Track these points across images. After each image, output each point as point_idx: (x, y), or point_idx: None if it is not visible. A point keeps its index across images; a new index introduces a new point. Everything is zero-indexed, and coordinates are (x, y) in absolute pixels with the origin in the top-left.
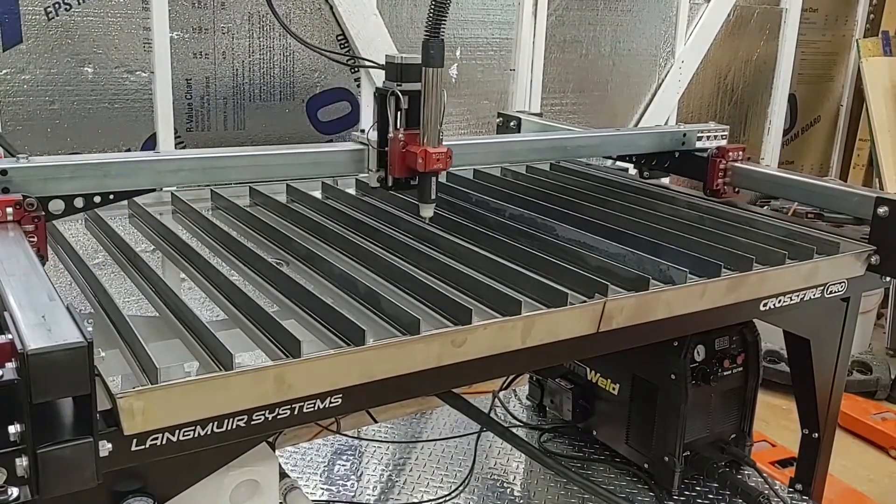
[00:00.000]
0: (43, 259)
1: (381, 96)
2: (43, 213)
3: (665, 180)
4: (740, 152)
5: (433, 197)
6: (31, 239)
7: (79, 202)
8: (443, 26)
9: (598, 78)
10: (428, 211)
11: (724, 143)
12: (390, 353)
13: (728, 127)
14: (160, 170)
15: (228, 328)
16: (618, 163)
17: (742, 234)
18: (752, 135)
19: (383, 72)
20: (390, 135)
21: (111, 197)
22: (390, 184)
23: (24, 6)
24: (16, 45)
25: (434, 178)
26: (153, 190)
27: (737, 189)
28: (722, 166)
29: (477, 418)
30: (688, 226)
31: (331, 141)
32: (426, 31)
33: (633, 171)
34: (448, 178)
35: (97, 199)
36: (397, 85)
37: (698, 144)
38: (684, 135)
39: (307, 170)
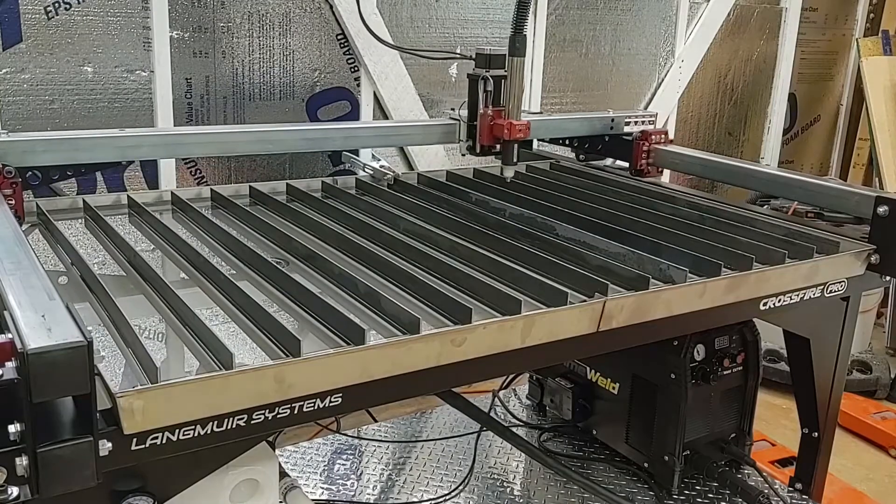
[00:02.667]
0: (20, 219)
1: (473, 80)
2: (20, 180)
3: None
4: (663, 136)
5: (515, 160)
6: (10, 202)
7: (53, 173)
8: (525, 24)
9: (597, 77)
10: (510, 171)
11: (651, 127)
12: (390, 353)
13: (656, 113)
14: (123, 145)
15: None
16: (618, 162)
17: (742, 234)
18: (752, 134)
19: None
20: (480, 111)
21: (82, 170)
22: (478, 150)
23: (23, 6)
24: (16, 44)
25: (516, 145)
26: (119, 163)
27: (660, 169)
28: (645, 148)
29: (477, 418)
30: (688, 225)
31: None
32: (513, 27)
33: (570, 154)
34: (448, 178)
35: (69, 172)
36: (486, 71)
37: (626, 129)
38: (612, 120)
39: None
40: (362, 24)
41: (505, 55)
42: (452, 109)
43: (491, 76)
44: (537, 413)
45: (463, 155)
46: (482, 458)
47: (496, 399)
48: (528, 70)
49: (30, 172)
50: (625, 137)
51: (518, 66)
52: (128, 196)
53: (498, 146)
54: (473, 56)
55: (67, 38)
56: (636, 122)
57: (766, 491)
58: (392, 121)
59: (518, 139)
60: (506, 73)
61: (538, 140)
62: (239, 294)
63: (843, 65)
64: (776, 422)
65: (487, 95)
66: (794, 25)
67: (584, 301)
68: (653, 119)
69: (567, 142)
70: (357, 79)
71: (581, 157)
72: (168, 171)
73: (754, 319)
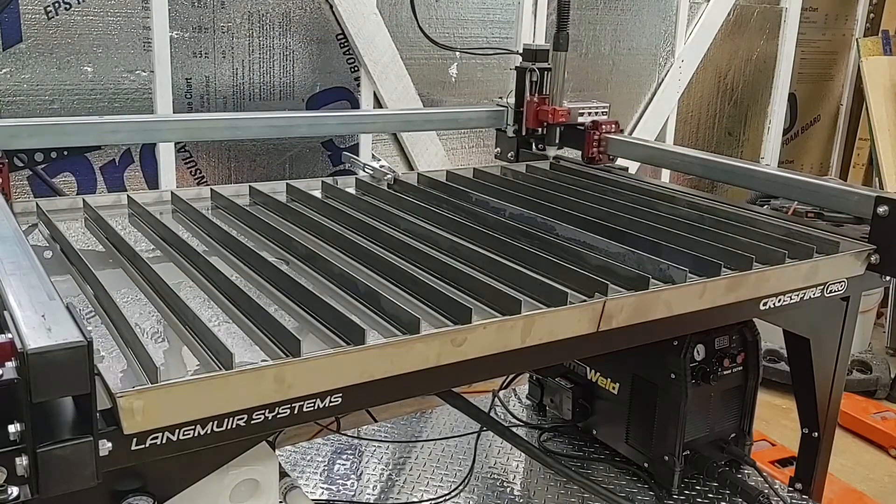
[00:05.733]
0: (7, 197)
1: (520, 72)
2: (6, 161)
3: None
4: (613, 126)
5: (557, 142)
6: None
7: (38, 156)
8: (567, 23)
9: (597, 77)
10: (552, 151)
11: (603, 118)
12: (390, 353)
13: (608, 105)
14: (102, 130)
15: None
16: (618, 161)
17: (742, 234)
18: (752, 134)
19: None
20: (526, 99)
21: (66, 153)
22: (524, 132)
23: (23, 6)
24: (16, 44)
25: (558, 129)
26: (99, 147)
27: (611, 157)
28: (596, 137)
29: (477, 418)
30: (688, 225)
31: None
32: (557, 26)
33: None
34: (448, 178)
35: (53, 155)
36: (532, 64)
37: (580, 119)
38: (567, 111)
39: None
40: (363, 24)
41: (549, 50)
42: (500, 97)
43: (536, 68)
44: (537, 413)
45: (511, 137)
46: (482, 458)
47: (496, 399)
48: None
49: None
50: (578, 127)
51: (561, 60)
52: (128, 196)
53: (540, 129)
54: (520, 51)
55: (67, 38)
56: (588, 114)
57: (766, 491)
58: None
59: (560, 123)
60: (549, 66)
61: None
62: (239, 294)
63: (843, 65)
64: (776, 422)
65: (533, 85)
66: (794, 25)
67: (584, 301)
68: (605, 110)
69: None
70: (357, 79)
71: (539, 146)
72: (168, 171)
73: (754, 319)
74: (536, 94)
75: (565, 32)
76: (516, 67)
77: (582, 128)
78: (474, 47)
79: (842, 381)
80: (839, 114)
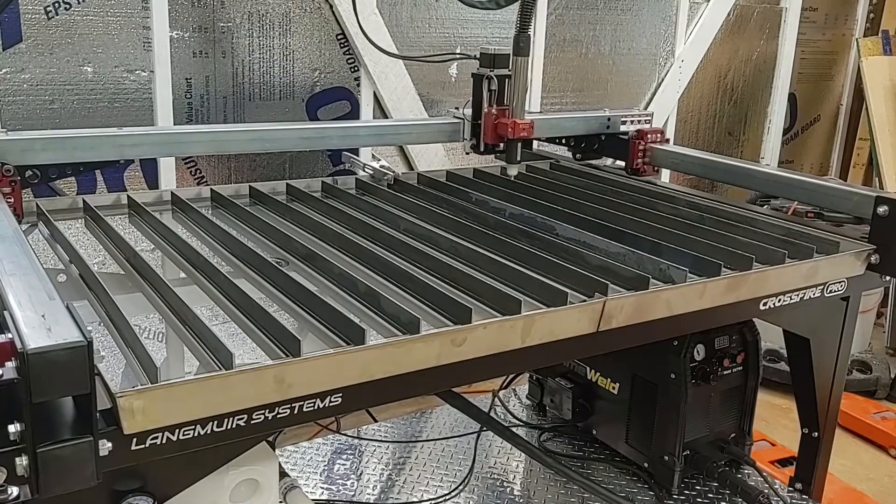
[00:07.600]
0: (19, 218)
1: (477, 80)
2: (19, 178)
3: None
4: (658, 135)
5: (518, 159)
6: (9, 200)
7: (52, 172)
8: (529, 24)
9: (597, 77)
10: (514, 170)
11: (647, 126)
12: (390, 353)
13: (652, 112)
14: (122, 143)
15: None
16: (618, 162)
17: (742, 234)
18: (752, 134)
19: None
20: (484, 110)
21: (81, 169)
22: (482, 149)
23: (23, 6)
24: (16, 44)
25: (519, 144)
26: (117, 162)
27: (656, 168)
28: (641, 147)
29: (477, 417)
30: (688, 225)
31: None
32: (517, 27)
33: (566, 153)
34: (448, 178)
35: (68, 171)
36: (490, 70)
37: (623, 128)
38: (608, 119)
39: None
40: (363, 24)
41: (509, 55)
42: (456, 108)
43: (495, 75)
44: (537, 413)
45: (466, 153)
46: (482, 458)
47: (496, 399)
48: (529, 70)
49: (29, 171)
50: (621, 136)
51: (522, 66)
52: (128, 196)
53: (501, 145)
54: (477, 56)
55: (67, 38)
56: (632, 122)
57: (766, 491)
58: (395, 119)
59: (521, 138)
60: (510, 73)
61: (535, 140)
62: (239, 294)
63: (843, 65)
64: (776, 422)
65: (491, 94)
66: (794, 25)
67: (584, 301)
68: (649, 118)
69: (563, 141)
70: (357, 79)
71: (578, 156)
72: (168, 171)
73: (754, 319)
74: (495, 105)
75: (526, 34)
76: (473, 74)
77: (625, 137)
78: (467, 51)
79: (842, 381)
80: (839, 114)
